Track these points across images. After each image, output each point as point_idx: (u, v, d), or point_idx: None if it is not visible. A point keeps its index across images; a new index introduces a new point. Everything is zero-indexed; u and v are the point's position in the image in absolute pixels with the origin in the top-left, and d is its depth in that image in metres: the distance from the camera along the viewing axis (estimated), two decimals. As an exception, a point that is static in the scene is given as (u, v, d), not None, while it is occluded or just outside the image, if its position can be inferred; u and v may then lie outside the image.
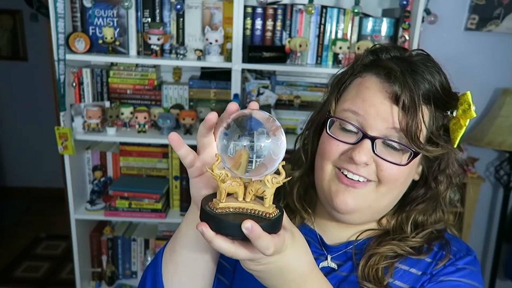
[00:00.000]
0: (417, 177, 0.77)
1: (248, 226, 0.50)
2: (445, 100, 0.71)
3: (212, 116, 0.57)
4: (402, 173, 0.71)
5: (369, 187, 0.71)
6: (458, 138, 0.71)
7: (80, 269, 2.00)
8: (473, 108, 0.69)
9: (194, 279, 0.71)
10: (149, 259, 2.06)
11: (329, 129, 0.73)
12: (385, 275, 0.71)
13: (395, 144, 0.70)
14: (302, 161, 0.82)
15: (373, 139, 0.69)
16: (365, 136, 0.69)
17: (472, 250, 0.77)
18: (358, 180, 0.71)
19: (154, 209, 1.93)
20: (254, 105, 0.58)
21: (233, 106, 0.57)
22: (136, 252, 2.13)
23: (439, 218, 0.77)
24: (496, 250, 2.38)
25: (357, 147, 0.69)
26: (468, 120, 0.70)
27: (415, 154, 0.70)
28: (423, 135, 0.70)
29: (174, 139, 0.58)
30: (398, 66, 0.70)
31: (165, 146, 1.99)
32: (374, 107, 0.69)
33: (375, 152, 0.69)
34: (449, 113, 0.72)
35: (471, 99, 0.70)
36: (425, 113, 0.69)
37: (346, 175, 0.71)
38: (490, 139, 2.17)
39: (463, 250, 0.76)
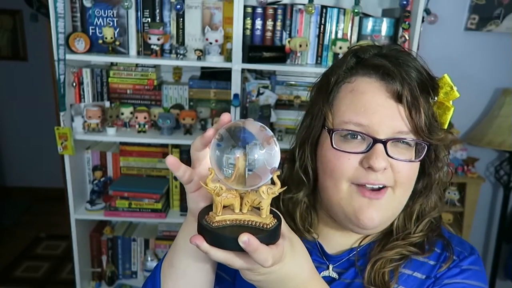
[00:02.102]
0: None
1: (245, 240, 0.49)
2: (431, 84, 0.69)
3: (211, 133, 0.55)
4: (415, 170, 0.70)
5: (388, 194, 0.69)
6: (447, 120, 0.70)
7: (80, 269, 2.00)
8: (455, 88, 0.68)
9: None
10: (149, 259, 2.06)
11: (333, 143, 0.68)
12: (391, 279, 0.70)
13: (408, 142, 0.67)
14: (303, 182, 0.76)
15: (385, 142, 0.66)
16: (375, 140, 0.66)
17: (475, 249, 0.76)
18: (379, 188, 0.68)
19: (154, 209, 1.93)
20: (226, 116, 0.56)
21: (226, 117, 0.56)
22: (136, 252, 2.12)
23: (434, 204, 0.75)
24: (496, 250, 2.38)
25: (372, 154, 0.65)
26: (451, 102, 0.69)
27: (427, 147, 0.68)
28: (425, 125, 0.67)
29: (173, 162, 0.57)
30: (387, 62, 0.67)
31: (165, 146, 1.98)
32: (378, 111, 0.66)
33: (389, 154, 0.66)
34: (430, 99, 0.69)
35: (450, 80, 0.69)
36: (423, 103, 0.67)
37: (366, 186, 0.68)
38: (490, 139, 2.17)
39: (467, 249, 0.75)
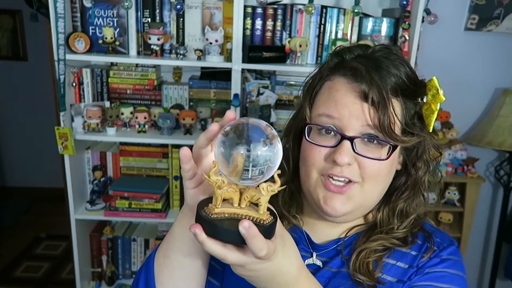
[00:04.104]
0: (399, 167, 0.78)
1: (246, 225, 0.51)
2: (413, 89, 0.73)
3: (215, 127, 0.58)
4: (384, 167, 0.73)
5: (354, 188, 0.73)
6: (432, 123, 0.73)
7: (80, 269, 2.00)
8: (441, 92, 0.70)
9: (188, 282, 0.73)
10: (149, 259, 2.06)
11: (308, 135, 0.75)
12: (375, 269, 0.74)
13: (374, 140, 0.71)
14: (284, 168, 0.82)
15: (351, 139, 0.70)
16: (343, 137, 0.70)
17: (454, 241, 0.80)
18: (344, 182, 0.72)
19: (154, 209, 1.93)
20: (230, 114, 0.58)
21: (231, 115, 0.58)
22: (136, 252, 2.13)
23: (420, 203, 0.79)
24: (496, 250, 2.37)
25: (338, 149, 0.70)
26: (438, 104, 0.71)
27: (394, 147, 0.72)
28: (398, 127, 0.71)
29: (187, 154, 0.59)
30: (362, 64, 0.71)
31: (165, 146, 1.99)
32: (347, 107, 0.71)
33: (356, 151, 0.70)
34: (419, 100, 0.73)
35: (438, 84, 0.71)
36: (396, 106, 0.71)
37: (332, 179, 0.72)
38: (490, 139, 2.17)
39: (446, 241, 0.79)
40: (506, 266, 2.49)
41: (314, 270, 0.77)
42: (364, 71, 0.70)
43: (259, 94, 1.90)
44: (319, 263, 0.79)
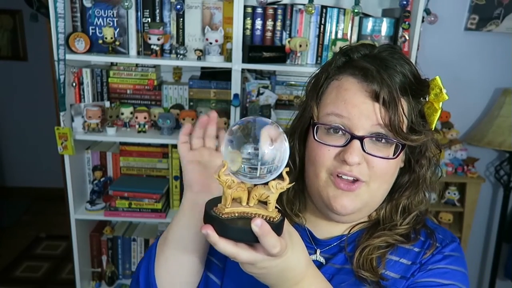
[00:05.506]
0: (402, 165, 0.79)
1: (258, 223, 0.52)
2: (418, 88, 0.74)
3: (187, 127, 0.69)
4: (391, 166, 0.74)
5: (363, 186, 0.74)
6: (435, 121, 0.74)
7: (80, 269, 2.00)
8: (444, 91, 0.72)
9: (185, 277, 0.75)
10: (149, 259, 2.06)
11: (315, 135, 0.75)
12: (379, 265, 0.74)
13: (382, 140, 0.72)
14: (290, 169, 0.82)
15: (361, 139, 0.71)
16: (353, 136, 0.71)
17: (455, 237, 0.81)
18: (353, 180, 0.73)
19: (154, 209, 1.93)
20: (213, 113, 0.64)
21: (207, 117, 0.67)
22: (136, 252, 2.12)
23: (421, 199, 0.80)
24: (496, 250, 2.38)
25: (348, 148, 0.71)
26: (441, 103, 0.73)
27: (402, 146, 0.73)
28: (405, 125, 0.72)
29: (187, 127, 0.68)
30: (371, 64, 0.72)
31: (165, 146, 1.99)
32: (357, 107, 0.71)
33: (365, 150, 0.71)
34: (422, 99, 0.75)
35: (441, 83, 0.73)
36: (404, 105, 0.72)
37: (341, 177, 0.73)
38: (490, 139, 2.17)
39: (448, 237, 0.80)
40: (506, 266, 2.49)
41: (317, 266, 0.77)
42: (374, 71, 0.71)
43: (259, 94, 1.90)
44: (322, 260, 0.79)
